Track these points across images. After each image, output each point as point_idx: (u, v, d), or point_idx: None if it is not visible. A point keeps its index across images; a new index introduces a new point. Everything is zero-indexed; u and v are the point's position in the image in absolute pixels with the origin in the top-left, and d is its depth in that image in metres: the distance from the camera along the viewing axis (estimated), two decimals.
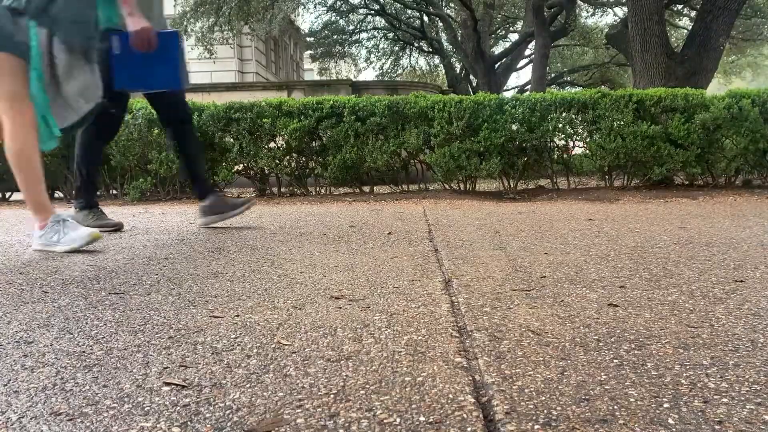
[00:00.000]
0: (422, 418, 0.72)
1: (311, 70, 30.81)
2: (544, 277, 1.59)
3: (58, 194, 6.12)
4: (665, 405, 0.74)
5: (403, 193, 5.73)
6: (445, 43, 19.49)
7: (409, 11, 19.28)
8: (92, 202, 3.07)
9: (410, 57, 22.81)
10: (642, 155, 5.19)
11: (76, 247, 2.21)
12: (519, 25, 20.24)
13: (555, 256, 1.94)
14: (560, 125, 5.33)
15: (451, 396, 0.78)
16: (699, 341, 1.00)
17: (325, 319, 1.19)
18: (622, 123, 5.26)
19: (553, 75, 21.95)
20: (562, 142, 5.53)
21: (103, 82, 2.52)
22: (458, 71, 20.08)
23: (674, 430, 0.68)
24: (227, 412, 0.75)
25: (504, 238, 2.46)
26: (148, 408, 0.77)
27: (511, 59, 17.96)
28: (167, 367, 0.91)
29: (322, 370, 0.89)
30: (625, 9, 10.82)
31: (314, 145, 5.69)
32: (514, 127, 5.35)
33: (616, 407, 0.74)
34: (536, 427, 0.69)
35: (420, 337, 1.05)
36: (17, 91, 2.15)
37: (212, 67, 21.17)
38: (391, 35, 21.33)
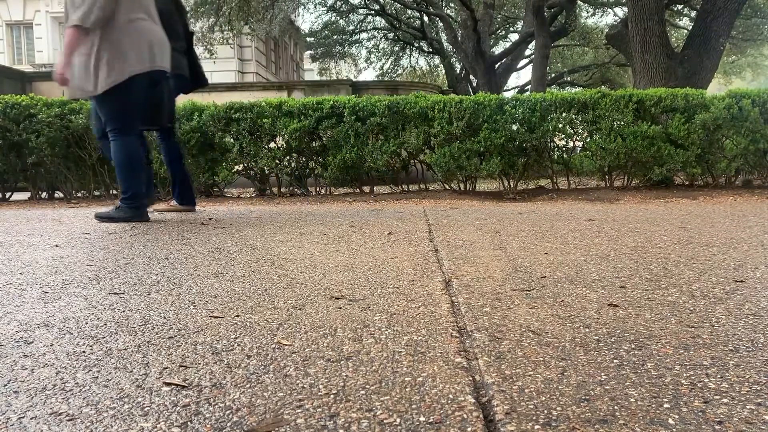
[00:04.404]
0: (422, 418, 0.72)
1: (311, 70, 30.81)
2: (544, 277, 1.59)
3: (58, 194, 6.11)
4: (665, 405, 0.74)
5: (403, 193, 5.73)
6: (445, 44, 19.48)
7: (409, 11, 19.28)
8: None
9: (410, 57, 22.82)
10: (642, 155, 5.18)
11: None
12: (519, 25, 20.23)
13: (555, 256, 1.94)
14: (560, 125, 5.33)
15: (451, 396, 0.78)
16: (699, 341, 1.00)
17: (325, 319, 1.19)
18: (622, 123, 5.26)
19: (553, 75, 21.95)
20: (563, 142, 5.53)
21: None
22: (458, 71, 20.08)
23: (674, 430, 0.68)
24: (227, 412, 0.75)
25: (504, 238, 2.46)
26: (148, 408, 0.76)
27: (511, 59, 17.96)
28: (167, 367, 0.91)
29: (322, 370, 0.89)
30: (625, 9, 10.82)
31: (314, 145, 5.69)
32: (514, 127, 5.35)
33: (616, 407, 0.74)
34: (536, 427, 0.69)
35: (420, 338, 1.05)
36: None
37: (212, 67, 21.15)
38: (391, 35, 21.34)
